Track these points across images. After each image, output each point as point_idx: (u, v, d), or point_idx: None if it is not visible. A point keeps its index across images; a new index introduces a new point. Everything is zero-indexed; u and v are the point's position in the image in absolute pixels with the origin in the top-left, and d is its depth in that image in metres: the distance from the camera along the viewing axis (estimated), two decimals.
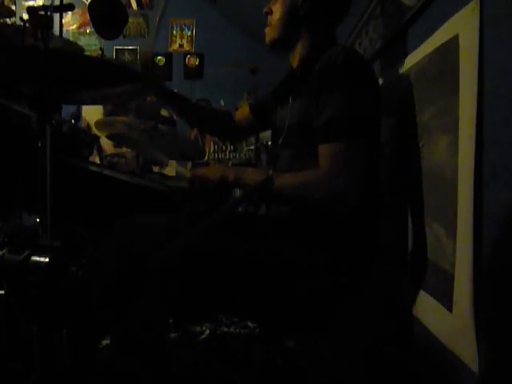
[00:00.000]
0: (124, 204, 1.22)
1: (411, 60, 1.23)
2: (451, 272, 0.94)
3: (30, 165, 0.91)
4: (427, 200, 1.11)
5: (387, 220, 1.34)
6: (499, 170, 0.80)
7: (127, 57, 4.89)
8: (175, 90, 1.52)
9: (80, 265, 0.83)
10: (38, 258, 0.79)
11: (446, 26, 1.00)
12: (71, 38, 4.64)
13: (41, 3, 4.29)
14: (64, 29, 3.32)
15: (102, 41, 4.26)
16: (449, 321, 0.96)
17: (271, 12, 1.23)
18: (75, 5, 1.15)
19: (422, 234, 1.12)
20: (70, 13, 4.73)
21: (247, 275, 1.00)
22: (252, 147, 3.08)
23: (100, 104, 3.34)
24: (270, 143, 2.72)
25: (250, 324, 1.68)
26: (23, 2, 4.62)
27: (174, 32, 5.01)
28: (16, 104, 1.21)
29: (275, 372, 1.31)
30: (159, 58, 4.85)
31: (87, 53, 3.79)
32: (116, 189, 1.28)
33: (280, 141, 1.25)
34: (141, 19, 4.96)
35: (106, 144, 2.97)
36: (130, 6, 4.84)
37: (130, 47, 4.97)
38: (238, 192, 1.38)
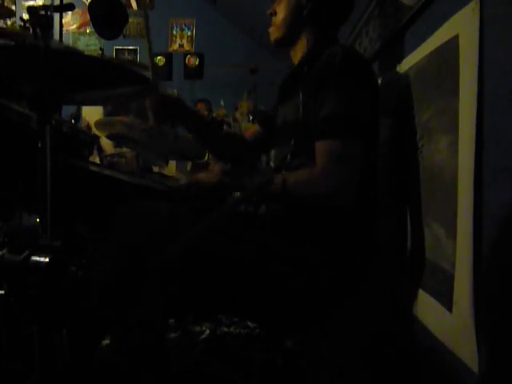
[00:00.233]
0: (124, 204, 1.22)
1: (411, 60, 1.23)
2: (451, 272, 0.94)
3: (30, 165, 0.91)
4: (427, 200, 1.11)
5: (387, 220, 1.34)
6: (499, 170, 0.80)
7: (127, 57, 4.89)
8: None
9: (80, 265, 0.83)
10: (37, 258, 0.79)
11: (446, 25, 1.00)
12: (71, 38, 4.64)
13: (41, 3, 4.29)
14: (64, 29, 3.31)
15: (102, 41, 4.27)
16: (449, 321, 0.96)
17: (275, 13, 1.23)
18: (75, 5, 1.15)
19: (421, 234, 1.12)
20: (69, 13, 4.74)
21: (246, 275, 1.00)
22: None
23: (100, 105, 3.34)
24: None
25: (250, 324, 1.68)
26: (23, 2, 4.63)
27: (174, 32, 5.02)
28: (16, 104, 1.21)
29: (275, 372, 1.31)
30: (159, 57, 4.85)
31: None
32: (116, 189, 1.28)
33: (279, 139, 1.25)
34: (141, 19, 4.96)
35: (106, 144, 2.97)
36: (130, 6, 4.84)
37: (130, 47, 4.98)
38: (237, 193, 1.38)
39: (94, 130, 1.94)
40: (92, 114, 4.00)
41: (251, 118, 2.94)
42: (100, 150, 3.02)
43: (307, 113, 1.09)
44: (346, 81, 1.03)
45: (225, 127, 3.28)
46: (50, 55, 0.80)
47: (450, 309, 0.95)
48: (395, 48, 1.39)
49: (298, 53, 1.23)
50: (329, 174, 0.99)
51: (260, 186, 0.93)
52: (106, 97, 1.12)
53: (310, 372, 1.31)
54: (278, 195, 1.03)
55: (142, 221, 1.04)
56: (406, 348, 1.22)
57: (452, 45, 0.96)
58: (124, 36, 4.78)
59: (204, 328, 1.68)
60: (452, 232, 0.94)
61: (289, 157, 1.15)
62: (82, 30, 4.74)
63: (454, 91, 0.94)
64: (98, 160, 2.93)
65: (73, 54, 1.16)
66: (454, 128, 0.94)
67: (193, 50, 5.00)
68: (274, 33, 1.25)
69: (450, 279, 0.94)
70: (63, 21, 2.72)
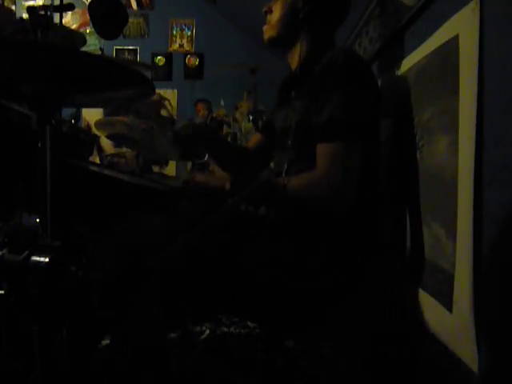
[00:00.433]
0: (124, 204, 1.22)
1: (411, 60, 1.23)
2: (451, 272, 0.94)
3: (29, 165, 0.91)
4: (427, 200, 1.11)
5: (387, 220, 1.34)
6: (499, 170, 0.80)
7: (127, 57, 4.89)
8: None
9: (80, 265, 0.83)
10: (37, 258, 0.79)
11: (446, 25, 1.00)
12: None
13: (41, 3, 4.29)
14: None
15: (102, 41, 4.26)
16: (449, 321, 0.96)
17: (271, 11, 1.23)
18: (75, 5, 1.16)
19: (421, 234, 1.12)
20: (69, 13, 4.74)
21: (246, 275, 1.00)
22: None
23: (101, 107, 3.34)
24: None
25: (250, 324, 1.68)
26: (23, 2, 4.63)
27: (174, 32, 5.02)
28: (16, 104, 1.21)
29: (275, 372, 1.31)
30: (159, 57, 4.85)
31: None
32: (116, 189, 1.28)
33: (279, 142, 1.25)
34: (141, 19, 4.97)
35: (106, 144, 2.97)
36: (130, 6, 4.85)
37: (130, 47, 4.97)
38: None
39: (94, 130, 1.94)
40: (92, 114, 3.99)
41: (251, 118, 2.94)
42: (100, 150, 3.02)
43: (307, 116, 1.09)
44: (347, 84, 1.03)
45: (225, 127, 3.28)
46: (50, 53, 0.80)
47: (450, 309, 0.95)
48: (395, 48, 1.39)
49: (294, 56, 1.23)
50: (330, 177, 0.99)
51: (260, 186, 0.93)
52: (107, 99, 1.12)
53: (310, 372, 1.31)
54: (279, 198, 1.03)
55: (142, 221, 1.04)
56: (406, 348, 1.22)
57: (452, 45, 0.96)
58: (124, 36, 4.78)
59: (204, 328, 1.68)
60: (452, 232, 0.94)
61: (289, 162, 1.15)
62: (82, 30, 4.73)
63: (454, 91, 0.94)
64: (98, 160, 2.93)
65: (73, 52, 1.16)
66: (453, 128, 0.94)
67: (193, 50, 5.00)
68: (268, 31, 1.25)
69: (449, 279, 0.94)
70: (63, 21, 2.72)
